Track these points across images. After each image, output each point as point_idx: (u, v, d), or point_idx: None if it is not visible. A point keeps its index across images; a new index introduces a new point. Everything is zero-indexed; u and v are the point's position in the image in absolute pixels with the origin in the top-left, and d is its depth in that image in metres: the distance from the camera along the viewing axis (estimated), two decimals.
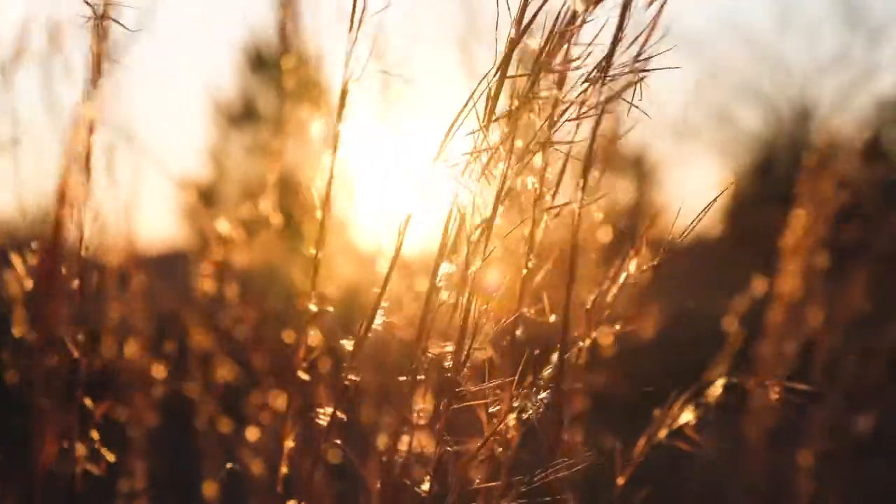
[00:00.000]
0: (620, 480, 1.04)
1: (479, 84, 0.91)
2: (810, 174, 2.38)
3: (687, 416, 1.00)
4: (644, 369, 2.39)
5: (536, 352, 1.00)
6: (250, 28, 11.76)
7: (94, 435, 1.17)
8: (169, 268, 2.81)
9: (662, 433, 1.01)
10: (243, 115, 11.86)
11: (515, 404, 0.95)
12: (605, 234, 2.16)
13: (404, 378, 1.00)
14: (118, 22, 1.00)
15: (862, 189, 2.61)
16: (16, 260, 1.34)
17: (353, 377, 0.97)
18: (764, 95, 11.42)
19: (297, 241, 1.02)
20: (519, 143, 0.94)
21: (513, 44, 0.91)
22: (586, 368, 2.15)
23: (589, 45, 0.93)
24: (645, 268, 1.05)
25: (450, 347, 0.96)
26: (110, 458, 1.17)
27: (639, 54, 0.93)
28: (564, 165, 1.03)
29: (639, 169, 10.04)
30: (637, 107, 0.91)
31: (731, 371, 2.32)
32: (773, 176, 10.46)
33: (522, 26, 0.91)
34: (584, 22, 0.92)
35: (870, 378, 2.48)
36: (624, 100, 0.92)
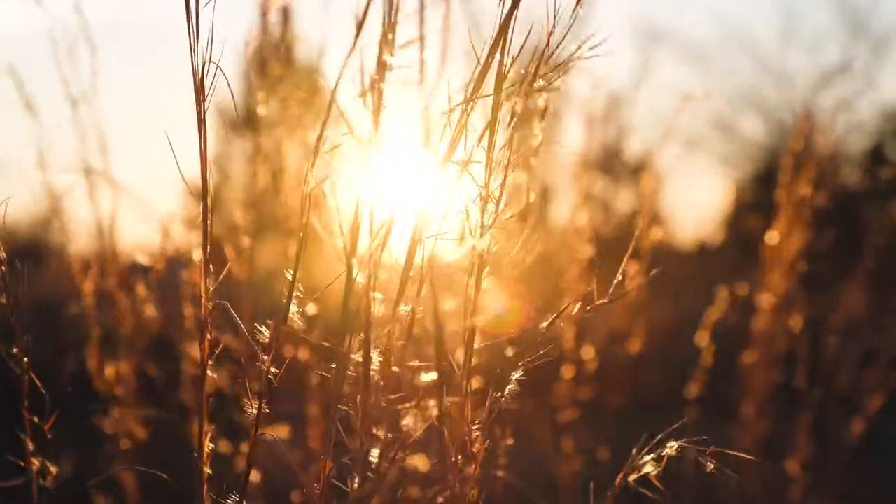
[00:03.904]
0: None
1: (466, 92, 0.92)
2: (792, 178, 2.38)
3: (650, 468, 1.01)
4: (640, 378, 2.40)
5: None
6: (254, 31, 11.75)
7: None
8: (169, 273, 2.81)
9: (631, 477, 1.02)
10: (245, 121, 11.87)
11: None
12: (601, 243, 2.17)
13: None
14: None
15: (850, 194, 2.62)
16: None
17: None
18: (767, 105, 11.42)
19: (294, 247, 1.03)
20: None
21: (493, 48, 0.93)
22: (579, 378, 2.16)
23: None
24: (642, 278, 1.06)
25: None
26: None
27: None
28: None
29: (640, 177, 10.03)
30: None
31: (716, 382, 2.33)
32: (775, 185, 10.45)
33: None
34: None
35: (859, 383, 2.49)
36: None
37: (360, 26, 0.91)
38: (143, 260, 1.94)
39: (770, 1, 15.86)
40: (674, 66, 11.42)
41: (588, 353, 2.12)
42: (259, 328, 1.00)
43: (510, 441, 1.44)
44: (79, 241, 2.12)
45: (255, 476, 1.73)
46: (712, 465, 0.98)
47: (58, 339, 2.45)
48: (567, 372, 2.13)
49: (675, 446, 1.00)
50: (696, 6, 16.12)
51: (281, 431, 1.80)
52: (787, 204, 2.34)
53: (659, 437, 1.01)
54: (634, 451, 1.02)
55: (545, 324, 1.04)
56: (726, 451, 1.00)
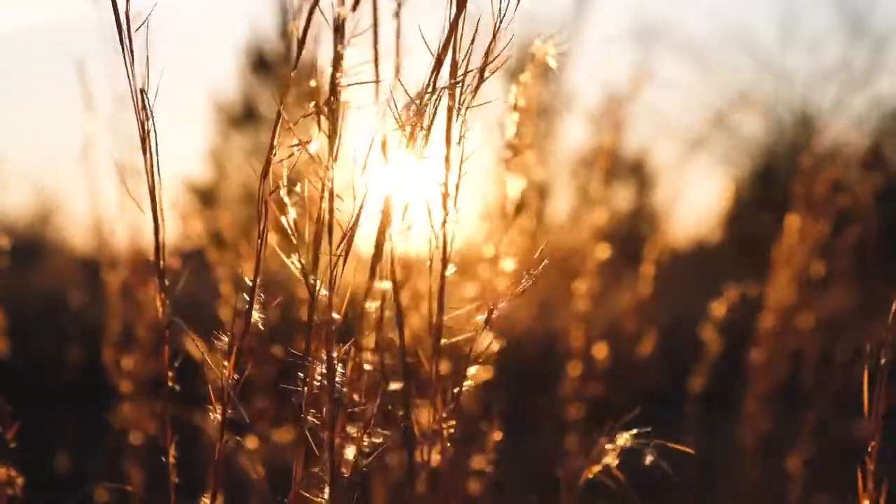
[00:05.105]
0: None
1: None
2: (806, 178, 2.39)
3: (610, 459, 1.03)
4: (642, 375, 2.40)
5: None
6: (253, 29, 11.78)
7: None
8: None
9: (594, 469, 1.03)
10: (244, 117, 11.87)
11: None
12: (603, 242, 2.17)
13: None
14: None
15: (859, 194, 2.61)
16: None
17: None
18: (766, 103, 11.43)
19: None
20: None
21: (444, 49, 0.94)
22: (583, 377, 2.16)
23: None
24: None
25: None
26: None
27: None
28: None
29: (639, 175, 10.05)
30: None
31: (717, 378, 2.33)
32: (774, 183, 10.47)
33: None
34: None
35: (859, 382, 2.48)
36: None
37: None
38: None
39: (770, 0, 15.87)
40: (674, 65, 11.42)
41: (601, 351, 2.12)
42: (218, 335, 1.00)
43: (506, 438, 1.44)
44: (98, 237, 2.11)
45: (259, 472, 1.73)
46: (652, 458, 1.00)
47: (58, 334, 2.45)
48: (573, 369, 2.13)
49: (627, 437, 1.01)
50: (696, 5, 16.14)
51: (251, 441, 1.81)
52: (802, 204, 2.35)
53: (617, 428, 1.03)
54: (595, 445, 1.04)
55: (485, 315, 1.03)
56: (667, 443, 1.01)
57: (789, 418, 2.40)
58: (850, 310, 2.65)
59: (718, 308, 2.29)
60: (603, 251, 2.14)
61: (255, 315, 0.99)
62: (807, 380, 2.40)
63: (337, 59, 0.95)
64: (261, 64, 11.83)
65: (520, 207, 1.39)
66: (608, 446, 1.03)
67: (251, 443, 1.86)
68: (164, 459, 1.07)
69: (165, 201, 1.03)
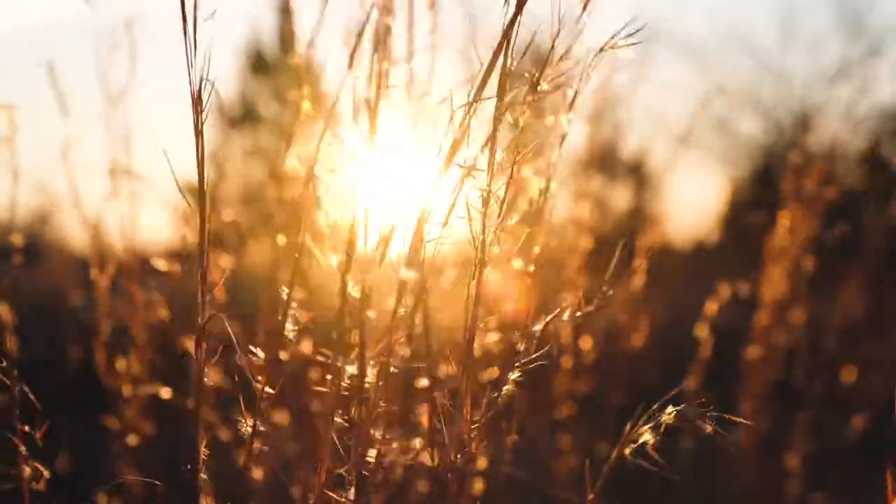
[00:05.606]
0: (591, 496, 1.05)
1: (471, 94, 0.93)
2: (796, 173, 2.39)
3: (647, 437, 1.00)
4: (638, 374, 2.41)
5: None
6: (253, 29, 11.77)
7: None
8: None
9: (627, 450, 1.02)
10: (243, 118, 11.87)
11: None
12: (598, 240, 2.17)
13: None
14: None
15: (852, 190, 2.63)
16: None
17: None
18: (765, 104, 11.42)
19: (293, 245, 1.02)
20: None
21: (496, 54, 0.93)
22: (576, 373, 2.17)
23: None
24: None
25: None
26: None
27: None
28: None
29: (637, 175, 10.05)
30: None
31: (714, 377, 2.33)
32: (773, 183, 10.46)
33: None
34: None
35: (858, 381, 2.49)
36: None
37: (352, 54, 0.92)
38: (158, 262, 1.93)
39: (770, 0, 15.87)
40: (673, 64, 11.41)
41: (586, 343, 2.12)
42: (253, 350, 1.00)
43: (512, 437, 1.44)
44: (92, 237, 2.11)
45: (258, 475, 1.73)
46: (711, 428, 0.97)
47: (55, 336, 2.45)
48: (565, 364, 2.13)
49: (673, 413, 0.99)
50: (696, 5, 16.13)
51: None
52: (793, 200, 2.35)
53: (657, 404, 1.01)
54: (629, 424, 1.02)
55: (540, 325, 1.04)
56: (725, 414, 0.99)
57: (786, 417, 2.40)
58: (858, 313, 2.66)
59: (711, 306, 2.30)
60: (587, 243, 2.15)
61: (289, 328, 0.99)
62: (801, 378, 2.40)
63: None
64: (260, 64, 11.84)
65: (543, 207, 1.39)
66: (645, 427, 1.01)
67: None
68: (189, 457, 1.06)
69: (181, 199, 1.02)
